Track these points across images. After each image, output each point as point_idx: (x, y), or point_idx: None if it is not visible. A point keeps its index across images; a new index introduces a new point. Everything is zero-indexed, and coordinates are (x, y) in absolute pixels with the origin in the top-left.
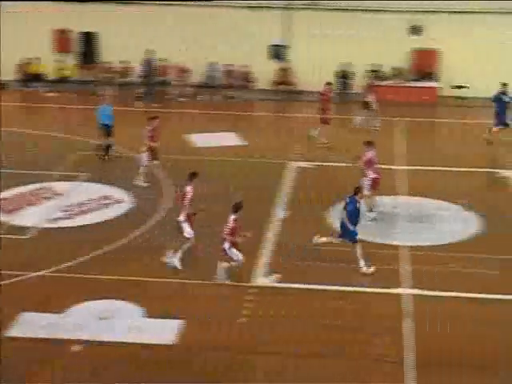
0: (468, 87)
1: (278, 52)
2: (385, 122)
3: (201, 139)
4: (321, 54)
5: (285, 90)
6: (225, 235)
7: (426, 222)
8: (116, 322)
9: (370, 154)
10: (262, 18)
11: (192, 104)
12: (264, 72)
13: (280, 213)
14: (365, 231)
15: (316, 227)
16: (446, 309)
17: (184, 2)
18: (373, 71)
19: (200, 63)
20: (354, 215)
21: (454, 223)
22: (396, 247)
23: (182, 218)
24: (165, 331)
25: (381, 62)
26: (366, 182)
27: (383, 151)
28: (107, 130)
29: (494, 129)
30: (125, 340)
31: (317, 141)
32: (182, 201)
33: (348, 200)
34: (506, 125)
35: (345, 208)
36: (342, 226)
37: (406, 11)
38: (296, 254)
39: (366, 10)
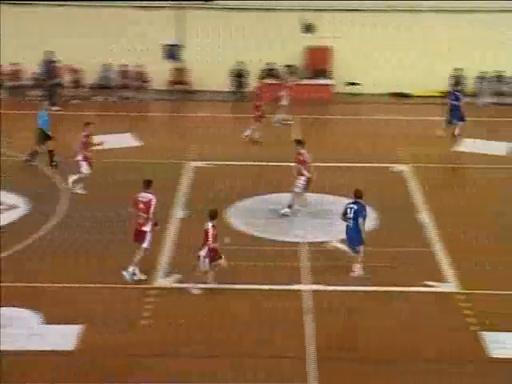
0: (360, 84)
1: (172, 52)
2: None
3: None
4: (215, 53)
5: (180, 90)
6: (214, 244)
7: (324, 217)
8: (14, 330)
9: (305, 152)
10: (156, 17)
11: (87, 106)
12: (159, 72)
13: (179, 213)
14: (265, 229)
15: (217, 227)
16: (346, 303)
17: (76, 2)
18: (268, 70)
19: (94, 64)
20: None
21: None
22: (296, 244)
23: (147, 228)
24: (65, 337)
25: (275, 60)
26: (300, 181)
27: (282, 149)
28: (44, 136)
29: (443, 127)
30: (24, 348)
31: (253, 139)
32: (147, 210)
33: (353, 205)
34: (464, 120)
35: (347, 213)
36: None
37: (299, 9)
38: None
39: (259, 9)
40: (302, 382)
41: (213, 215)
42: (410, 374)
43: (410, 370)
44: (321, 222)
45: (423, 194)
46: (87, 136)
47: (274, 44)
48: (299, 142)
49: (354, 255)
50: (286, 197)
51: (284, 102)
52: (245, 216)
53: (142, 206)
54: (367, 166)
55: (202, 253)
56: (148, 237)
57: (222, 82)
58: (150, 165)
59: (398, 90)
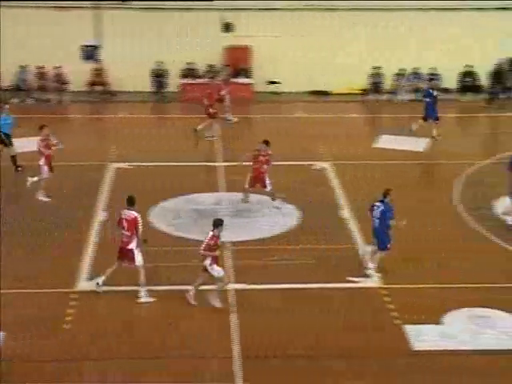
0: (280, 83)
1: (90, 52)
2: (203, 120)
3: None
4: (135, 53)
5: (99, 91)
6: (204, 252)
7: (246, 216)
8: None
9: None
10: (74, 18)
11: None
12: (78, 73)
13: (100, 215)
14: (188, 229)
15: None
16: (270, 301)
17: None
18: (188, 70)
19: (11, 65)
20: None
21: (274, 217)
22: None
23: (133, 245)
24: None
25: (195, 59)
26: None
27: (204, 149)
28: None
29: (421, 122)
30: None
31: (205, 136)
32: (130, 228)
33: (380, 204)
34: (437, 119)
35: (373, 211)
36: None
37: (218, 9)
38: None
39: (177, 9)
40: (229, 382)
41: (216, 224)
42: (334, 370)
43: (334, 366)
44: (243, 221)
45: (345, 191)
46: (44, 139)
47: (194, 44)
48: (267, 143)
49: (377, 254)
50: (209, 197)
51: (227, 102)
52: (167, 217)
53: (125, 224)
54: (289, 165)
55: (207, 262)
56: (137, 254)
57: (141, 83)
58: (70, 167)
59: (317, 88)
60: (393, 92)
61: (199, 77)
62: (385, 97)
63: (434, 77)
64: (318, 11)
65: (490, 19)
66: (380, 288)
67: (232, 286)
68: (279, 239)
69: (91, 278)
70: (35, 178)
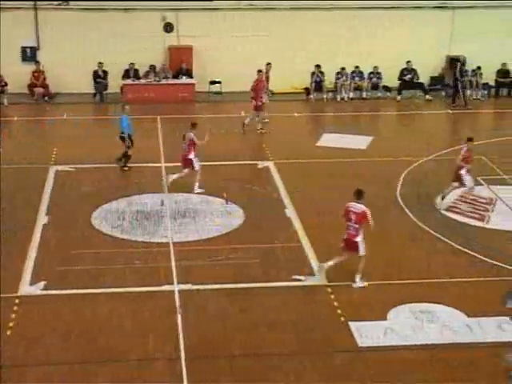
0: (221, 82)
1: (29, 54)
2: (146, 121)
3: None
4: (75, 54)
5: (39, 93)
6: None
7: (190, 217)
8: None
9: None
10: (13, 19)
11: None
12: (17, 75)
13: (43, 218)
14: (132, 231)
15: (80, 231)
16: (215, 301)
17: None
18: (129, 70)
19: None
20: None
21: (218, 216)
22: (162, 244)
23: (359, 238)
24: None
25: (139, 60)
26: None
27: (148, 150)
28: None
29: None
30: None
31: (257, 127)
32: (358, 221)
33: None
34: None
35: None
36: None
37: (159, 9)
38: (62, 260)
39: (116, 9)
40: (176, 383)
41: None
42: (278, 368)
43: (279, 364)
44: (188, 222)
45: (289, 190)
46: None
47: (136, 44)
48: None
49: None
50: (152, 198)
51: None
52: (111, 218)
53: (353, 216)
54: (233, 164)
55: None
56: (361, 245)
57: (82, 84)
58: (9, 170)
59: None
60: (335, 90)
61: (140, 77)
62: (327, 95)
63: (374, 75)
64: (261, 11)
65: (428, 18)
66: (325, 286)
67: (178, 287)
68: (224, 239)
69: (33, 282)
70: None
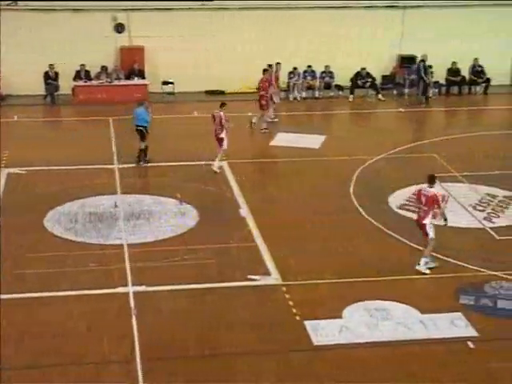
0: (173, 83)
1: None
2: (98, 122)
3: None
4: (26, 55)
5: None
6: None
7: (145, 218)
8: None
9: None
10: None
11: None
12: None
13: None
14: (86, 233)
15: (33, 234)
16: (171, 302)
17: None
18: (81, 71)
19: None
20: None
21: (173, 217)
22: (117, 246)
23: (427, 220)
24: None
25: (90, 61)
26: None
27: (99, 151)
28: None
29: None
30: None
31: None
32: (427, 204)
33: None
34: None
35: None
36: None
37: (109, 9)
38: (15, 263)
39: (69, 10)
40: None
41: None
42: (235, 368)
43: (235, 364)
44: (142, 223)
45: (243, 190)
46: None
47: (87, 45)
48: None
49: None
50: (106, 199)
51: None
52: (64, 221)
53: (423, 199)
54: (187, 165)
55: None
56: (430, 229)
57: (33, 86)
58: None
59: (212, 88)
60: (287, 90)
61: (92, 79)
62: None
63: (327, 74)
64: (213, 11)
65: (379, 17)
66: (280, 285)
67: (132, 289)
68: (179, 240)
69: None
70: None
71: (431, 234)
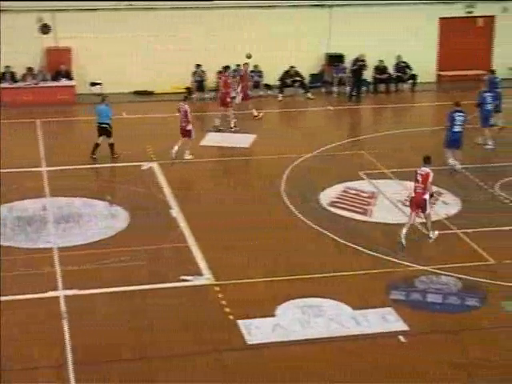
0: (101, 84)
1: None
2: (24, 125)
3: None
4: None
5: None
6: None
7: (74, 221)
8: None
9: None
10: None
11: None
12: None
13: None
14: (13, 237)
15: None
16: (102, 305)
17: None
18: (6, 73)
19: None
20: None
21: (103, 220)
22: (46, 250)
23: (426, 196)
24: None
25: (15, 62)
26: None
27: (27, 154)
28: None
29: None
30: None
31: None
32: (424, 182)
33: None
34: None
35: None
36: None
37: (35, 10)
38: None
39: None
40: None
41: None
42: (167, 370)
43: (168, 365)
44: (72, 226)
45: (173, 190)
46: None
47: (12, 46)
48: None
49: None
50: (34, 203)
51: None
52: None
53: (420, 178)
54: (116, 166)
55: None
56: (428, 204)
57: None
58: None
59: (141, 88)
60: (217, 90)
61: (18, 80)
62: (209, 95)
63: (256, 74)
64: (141, 11)
65: (306, 16)
66: (212, 285)
67: (64, 293)
68: (109, 242)
69: None
70: None
71: (428, 208)
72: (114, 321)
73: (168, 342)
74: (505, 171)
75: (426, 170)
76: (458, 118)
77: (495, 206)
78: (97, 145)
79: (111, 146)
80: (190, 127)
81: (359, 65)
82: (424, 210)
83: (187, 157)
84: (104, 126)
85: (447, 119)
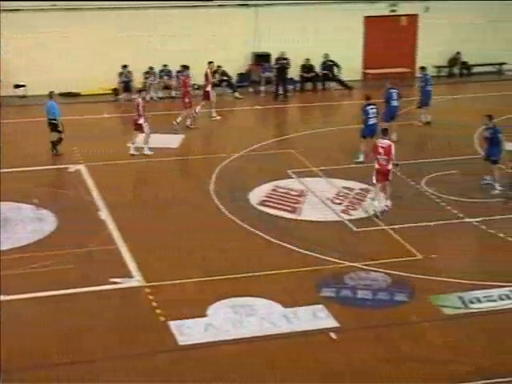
0: (25, 86)
1: None
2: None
3: None
4: None
5: None
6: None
7: (1, 226)
8: None
9: None
10: None
11: None
12: None
13: None
14: None
15: None
16: (31, 310)
17: None
18: None
19: None
20: None
21: (30, 223)
22: None
23: (390, 167)
24: None
25: None
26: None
27: None
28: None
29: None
30: None
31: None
32: (387, 154)
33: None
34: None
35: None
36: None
37: None
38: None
39: None
40: None
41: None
42: (99, 373)
43: (99, 368)
44: None
45: (101, 192)
46: None
47: None
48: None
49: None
50: None
51: None
52: None
53: (382, 150)
54: (43, 169)
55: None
56: (391, 173)
57: None
58: None
59: (67, 90)
60: (143, 90)
61: None
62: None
63: (183, 74)
64: (65, 11)
65: (232, 15)
66: (143, 286)
67: None
68: (37, 246)
69: None
70: None
71: (391, 177)
72: (43, 326)
73: (99, 346)
74: (430, 167)
75: (386, 142)
76: (371, 110)
77: (422, 201)
78: (54, 141)
79: (52, 142)
80: (141, 121)
81: (281, 63)
82: (388, 178)
83: (146, 152)
84: (51, 122)
85: (362, 113)
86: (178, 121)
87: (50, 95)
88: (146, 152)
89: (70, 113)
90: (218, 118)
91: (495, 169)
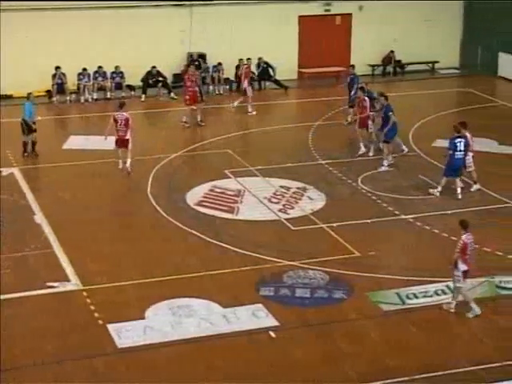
0: None
1: None
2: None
3: None
4: None
5: None
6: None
7: None
8: None
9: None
10: None
11: None
12: None
13: None
14: None
15: None
16: None
17: None
18: None
19: None
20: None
21: None
22: None
23: (128, 136)
24: None
25: None
26: None
27: None
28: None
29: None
30: None
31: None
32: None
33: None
34: None
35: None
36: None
37: None
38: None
39: None
40: None
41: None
42: (40, 379)
43: (38, 374)
44: None
45: (36, 196)
46: None
47: None
48: None
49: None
50: None
51: None
52: None
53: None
54: None
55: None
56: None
57: None
58: None
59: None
60: (78, 92)
61: None
62: (70, 97)
63: (117, 75)
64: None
65: (167, 15)
66: (80, 290)
67: None
68: None
69: None
70: None
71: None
72: None
73: (35, 351)
74: (365, 165)
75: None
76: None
77: (358, 199)
78: (32, 143)
79: (25, 143)
80: (128, 136)
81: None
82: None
83: (128, 168)
84: (23, 122)
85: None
86: (200, 119)
87: (28, 96)
88: (129, 169)
89: (2, 115)
90: (254, 113)
91: (385, 147)
